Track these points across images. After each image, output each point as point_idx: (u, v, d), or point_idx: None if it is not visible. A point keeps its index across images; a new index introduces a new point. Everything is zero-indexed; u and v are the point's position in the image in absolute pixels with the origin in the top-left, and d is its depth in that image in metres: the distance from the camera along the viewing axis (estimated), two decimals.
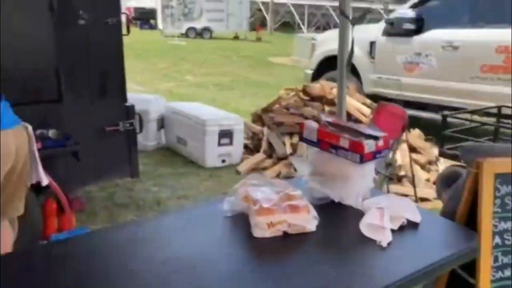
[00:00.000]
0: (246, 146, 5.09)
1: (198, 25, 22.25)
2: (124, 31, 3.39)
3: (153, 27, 21.44)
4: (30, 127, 2.38)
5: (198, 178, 4.55)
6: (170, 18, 21.58)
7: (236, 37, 22.95)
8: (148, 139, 5.17)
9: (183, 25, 21.96)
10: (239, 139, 4.90)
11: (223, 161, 4.83)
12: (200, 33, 22.18)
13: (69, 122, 3.03)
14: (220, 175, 4.60)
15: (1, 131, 2.16)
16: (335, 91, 4.80)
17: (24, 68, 2.78)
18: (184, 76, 11.32)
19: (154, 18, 22.67)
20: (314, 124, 1.94)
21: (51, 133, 2.78)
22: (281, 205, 1.63)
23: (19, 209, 2.42)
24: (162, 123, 5.39)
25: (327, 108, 4.78)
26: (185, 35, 21.75)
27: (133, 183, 4.14)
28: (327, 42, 6.64)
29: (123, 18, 3.37)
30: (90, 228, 3.28)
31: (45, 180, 2.46)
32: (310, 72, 6.95)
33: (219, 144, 4.79)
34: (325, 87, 5.02)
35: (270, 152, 4.79)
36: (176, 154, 5.21)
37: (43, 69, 2.86)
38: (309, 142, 1.92)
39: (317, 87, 5.11)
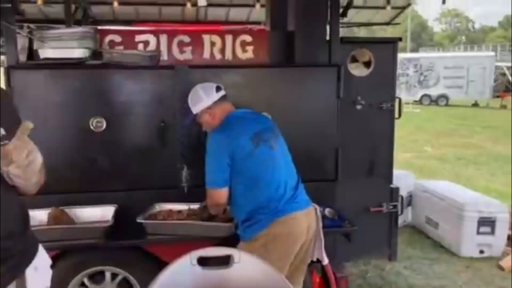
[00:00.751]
0: (508, 237, 4.51)
1: (434, 92, 21.60)
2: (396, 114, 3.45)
3: None
4: (318, 208, 2.58)
5: (453, 267, 4.19)
6: (404, 85, 21.53)
7: (475, 105, 21.39)
8: None
9: (417, 92, 21.63)
10: (503, 229, 4.37)
11: (481, 251, 4.37)
12: (435, 100, 21.43)
13: (340, 201, 3.18)
14: (479, 268, 4.14)
15: (297, 212, 2.40)
16: None
17: (310, 148, 3.07)
18: (422, 147, 10.95)
19: None
20: None
21: (328, 211, 2.95)
22: None
23: (299, 284, 2.60)
24: (410, 200, 5.23)
25: None
26: (419, 102, 21.31)
27: (384, 262, 4.07)
28: None
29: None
30: None
31: (325, 260, 2.60)
32: None
33: (478, 233, 4.36)
34: None
35: None
36: (424, 235, 4.95)
37: (325, 150, 3.11)
38: None
39: None
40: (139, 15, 6.17)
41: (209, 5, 5.91)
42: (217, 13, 6.22)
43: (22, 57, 2.91)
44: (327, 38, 3.20)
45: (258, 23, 6.43)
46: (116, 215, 2.72)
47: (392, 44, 3.37)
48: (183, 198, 2.93)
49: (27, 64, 2.86)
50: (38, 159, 1.42)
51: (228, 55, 3.28)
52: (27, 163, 1.39)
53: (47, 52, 2.82)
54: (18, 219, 1.61)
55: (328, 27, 3.19)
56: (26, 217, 1.67)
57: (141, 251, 2.76)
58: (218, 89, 2.51)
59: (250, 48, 3.30)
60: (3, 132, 1.54)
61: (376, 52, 3.33)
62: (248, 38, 3.31)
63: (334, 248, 3.14)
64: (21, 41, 2.94)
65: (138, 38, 3.18)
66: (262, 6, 5.44)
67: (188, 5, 5.39)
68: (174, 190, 2.95)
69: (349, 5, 3.31)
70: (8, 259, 1.54)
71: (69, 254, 2.68)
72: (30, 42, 2.95)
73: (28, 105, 2.70)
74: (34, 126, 1.55)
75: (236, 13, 6.51)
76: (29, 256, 1.63)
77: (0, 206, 1.47)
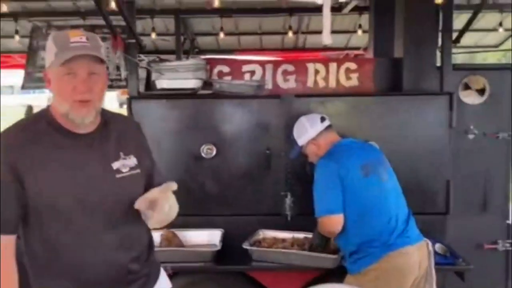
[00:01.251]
0: None
1: None
2: None
3: None
4: (430, 243, 2.45)
5: None
6: None
7: None
8: None
9: None
10: None
11: None
12: None
13: (450, 236, 3.00)
14: None
15: (409, 247, 2.30)
16: None
17: (420, 179, 2.96)
18: None
19: None
20: None
21: (438, 247, 2.79)
22: None
23: None
24: None
25: None
26: None
27: None
28: None
29: None
30: None
31: None
32: None
33: None
34: None
35: None
36: None
37: (436, 182, 2.97)
38: None
39: None
40: (241, 45, 6.42)
41: (309, 32, 5.99)
42: (316, 40, 6.26)
43: (141, 88, 3.15)
44: (437, 64, 3.09)
45: (357, 48, 6.38)
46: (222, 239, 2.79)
47: (509, 70, 3.16)
48: (285, 226, 2.95)
49: (146, 94, 3.07)
50: (174, 212, 1.57)
51: (332, 83, 3.27)
52: (165, 217, 1.52)
53: (163, 82, 3.01)
54: (146, 244, 1.72)
55: (438, 53, 3.08)
56: (151, 242, 1.78)
57: (244, 277, 2.80)
58: (322, 119, 2.51)
59: (354, 76, 3.27)
60: (135, 161, 1.67)
61: (491, 78, 3.14)
62: (352, 66, 3.28)
63: (443, 286, 2.96)
64: (140, 73, 3.19)
65: (245, 68, 3.29)
66: (364, 32, 5.39)
67: (290, 33, 5.50)
68: (277, 217, 2.97)
69: (464, 30, 3.16)
70: (136, 281, 1.65)
71: (178, 276, 2.79)
72: (148, 73, 3.18)
73: (146, 132, 2.88)
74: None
75: (335, 39, 6.51)
76: (153, 279, 1.73)
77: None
